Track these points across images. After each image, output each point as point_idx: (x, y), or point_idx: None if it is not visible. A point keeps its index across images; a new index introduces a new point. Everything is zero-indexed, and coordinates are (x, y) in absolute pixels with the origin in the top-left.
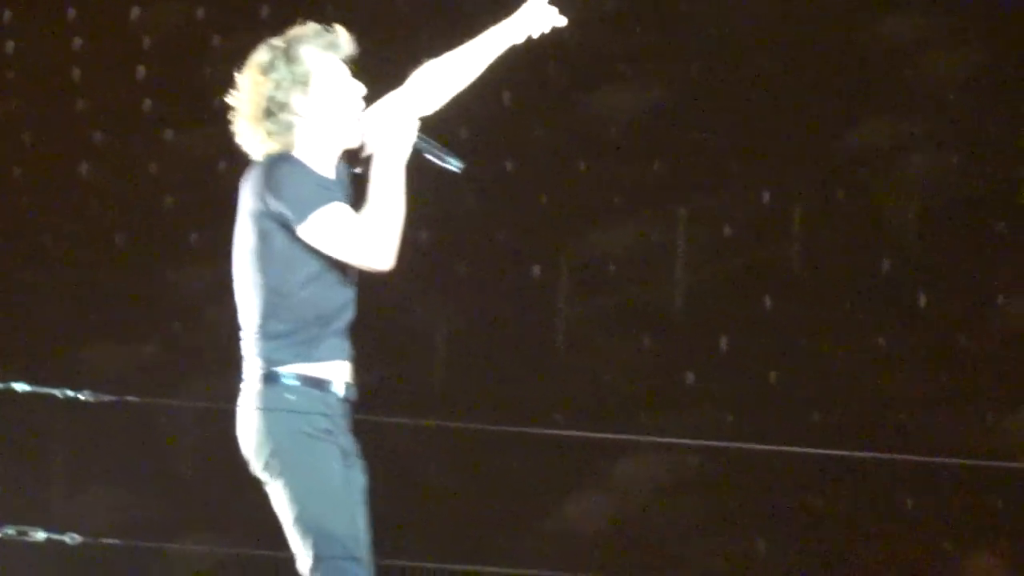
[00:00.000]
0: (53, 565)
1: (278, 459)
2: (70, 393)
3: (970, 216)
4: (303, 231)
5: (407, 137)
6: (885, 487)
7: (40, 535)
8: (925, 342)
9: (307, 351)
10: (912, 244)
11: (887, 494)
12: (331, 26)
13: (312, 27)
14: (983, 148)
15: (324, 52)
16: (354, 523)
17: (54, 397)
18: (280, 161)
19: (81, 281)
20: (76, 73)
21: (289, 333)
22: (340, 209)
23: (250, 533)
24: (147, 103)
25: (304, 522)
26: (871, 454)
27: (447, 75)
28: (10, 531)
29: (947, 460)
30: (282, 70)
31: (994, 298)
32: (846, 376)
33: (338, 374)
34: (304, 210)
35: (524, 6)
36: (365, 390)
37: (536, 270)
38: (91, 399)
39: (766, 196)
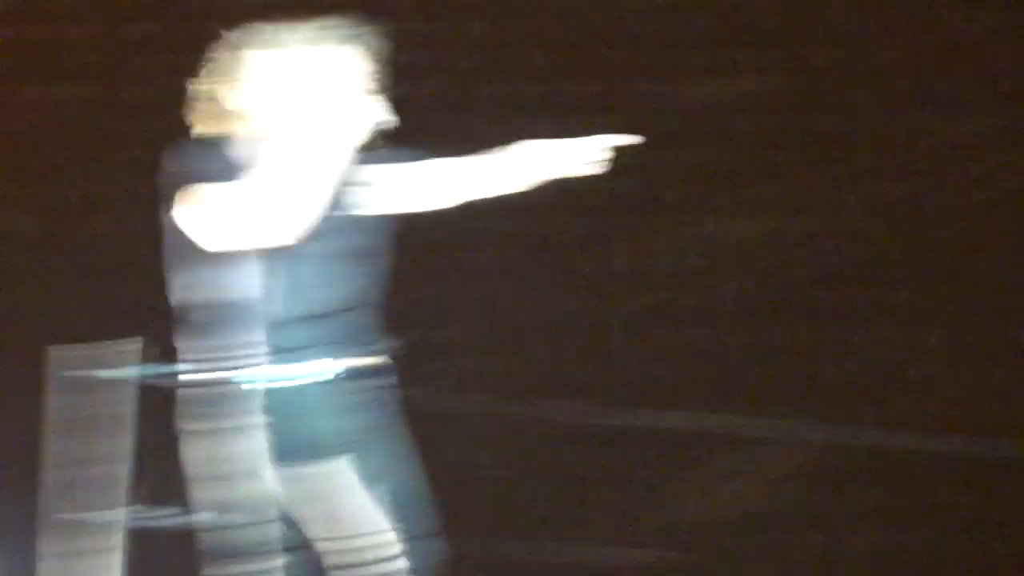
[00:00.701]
0: None
1: None
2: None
3: None
4: None
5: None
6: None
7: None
8: None
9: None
10: None
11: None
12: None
13: (307, 27)
14: None
15: (308, 47)
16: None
17: None
18: (184, 146)
19: None
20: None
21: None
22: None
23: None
24: None
25: None
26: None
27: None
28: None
29: None
30: (250, 56)
31: None
32: (984, 368)
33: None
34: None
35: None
36: (481, 377)
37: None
38: None
39: (890, 187)
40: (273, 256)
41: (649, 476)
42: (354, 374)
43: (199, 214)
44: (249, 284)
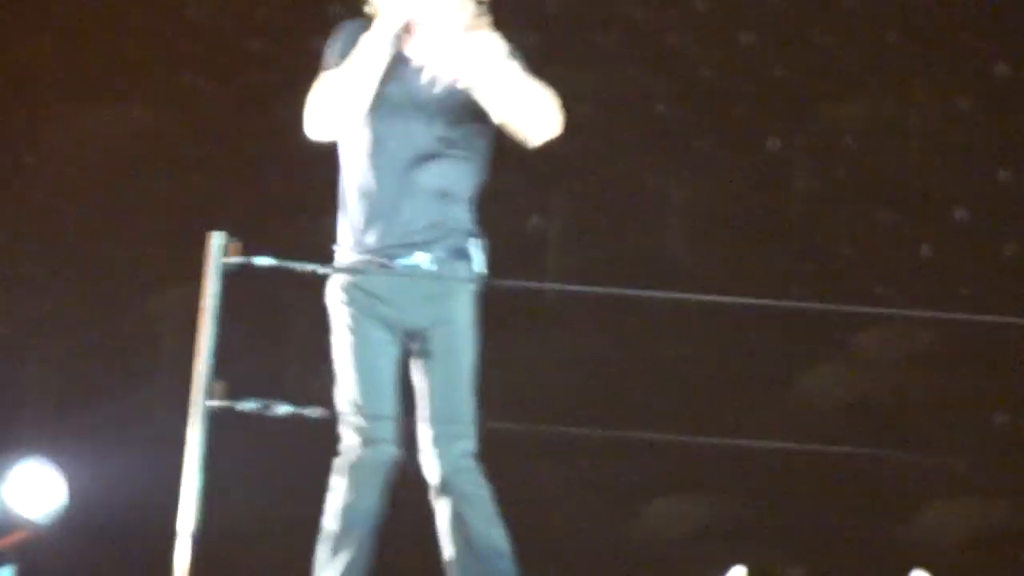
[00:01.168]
0: (295, 440)
1: None
2: (310, 267)
3: None
4: None
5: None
6: None
7: (282, 409)
8: None
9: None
10: None
11: None
12: None
13: None
14: None
15: None
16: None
17: (293, 272)
18: (345, 27)
19: None
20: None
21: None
22: (327, 76)
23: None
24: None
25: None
26: None
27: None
28: (252, 405)
29: None
30: None
31: None
32: None
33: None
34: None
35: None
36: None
37: (774, 143)
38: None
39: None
40: (375, 144)
41: None
42: (445, 269)
43: (312, 99)
44: (361, 173)
